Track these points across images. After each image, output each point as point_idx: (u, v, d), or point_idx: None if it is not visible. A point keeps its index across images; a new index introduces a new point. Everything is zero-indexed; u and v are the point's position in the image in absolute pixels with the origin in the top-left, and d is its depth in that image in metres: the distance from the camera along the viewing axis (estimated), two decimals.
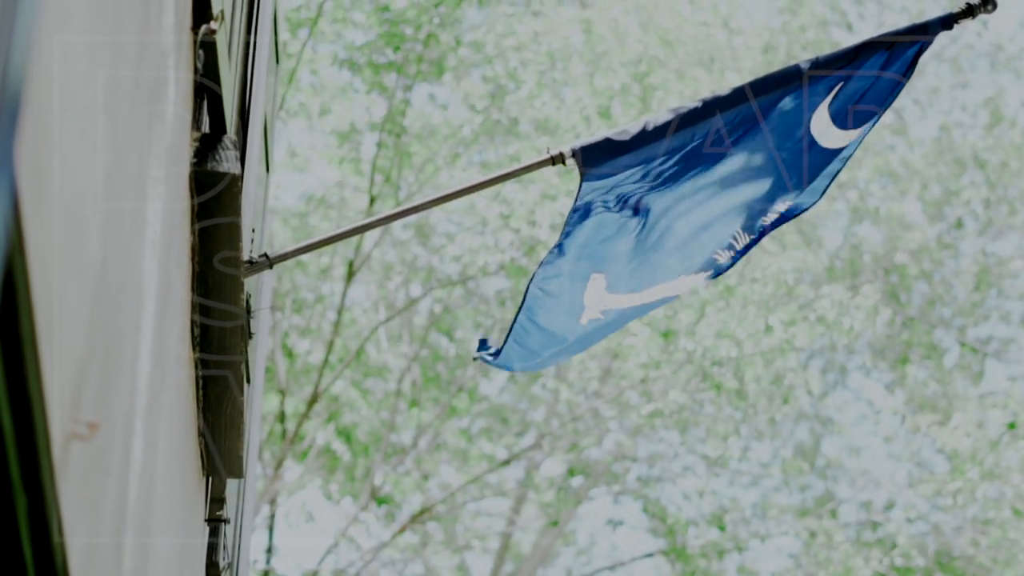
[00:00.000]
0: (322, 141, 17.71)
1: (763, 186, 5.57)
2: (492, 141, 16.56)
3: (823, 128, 5.57)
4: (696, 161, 5.53)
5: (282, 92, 16.37)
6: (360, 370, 17.69)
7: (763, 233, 5.58)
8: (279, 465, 16.93)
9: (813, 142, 5.57)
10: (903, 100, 19.53)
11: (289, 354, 17.58)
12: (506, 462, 17.93)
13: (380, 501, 17.76)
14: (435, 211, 17.47)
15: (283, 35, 16.19)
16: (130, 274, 3.41)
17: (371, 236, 17.11)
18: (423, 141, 16.55)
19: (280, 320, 17.45)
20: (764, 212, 5.58)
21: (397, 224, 17.43)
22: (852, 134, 5.60)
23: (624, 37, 16.59)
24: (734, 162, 5.56)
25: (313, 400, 16.78)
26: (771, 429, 17.35)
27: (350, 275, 16.82)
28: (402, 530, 17.54)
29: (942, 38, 19.63)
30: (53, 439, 2.66)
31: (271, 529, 17.42)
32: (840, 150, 5.60)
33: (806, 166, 5.56)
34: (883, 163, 18.56)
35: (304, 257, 17.48)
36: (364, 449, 17.76)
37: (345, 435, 17.72)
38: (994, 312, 19.06)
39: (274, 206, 17.65)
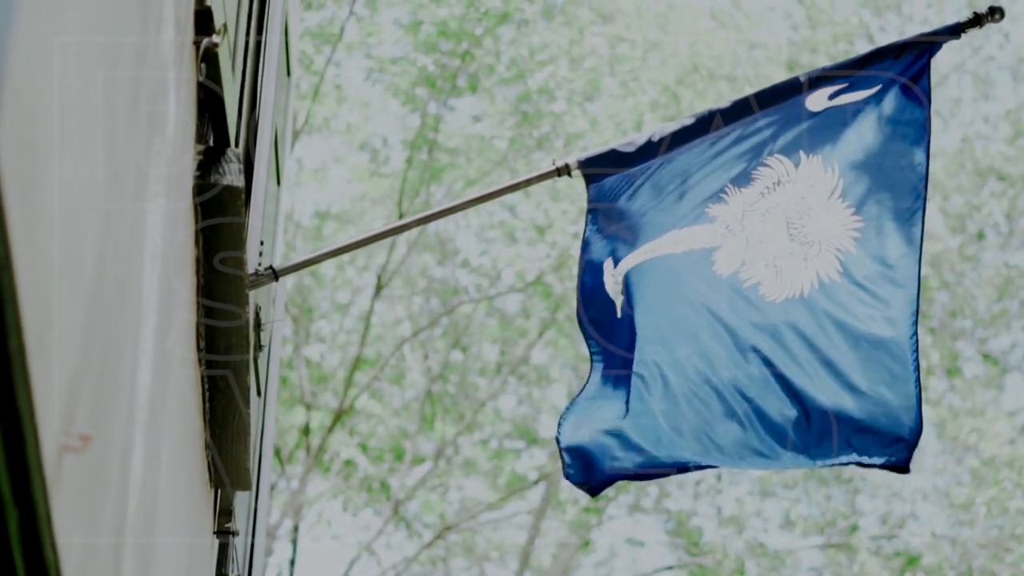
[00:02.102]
0: (351, 156, 17.77)
1: (759, 150, 5.54)
2: (524, 157, 16.56)
3: (820, 103, 5.56)
4: (697, 162, 5.53)
5: (308, 107, 16.43)
6: (380, 377, 17.73)
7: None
8: (304, 478, 16.98)
9: (812, 112, 5.55)
10: None
11: (318, 372, 17.62)
12: (536, 482, 17.95)
13: (399, 518, 17.78)
14: (463, 226, 17.55)
15: (308, 50, 16.23)
16: (129, 286, 3.40)
17: (399, 251, 17.17)
18: (454, 156, 16.58)
19: (303, 333, 17.49)
20: (755, 168, 5.54)
21: (420, 240, 17.47)
22: (846, 98, 5.56)
23: (653, 52, 16.62)
24: (734, 148, 5.56)
25: (339, 416, 16.83)
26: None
27: (379, 289, 16.87)
28: (428, 545, 17.56)
29: (965, 50, 19.60)
30: (45, 453, 2.65)
31: (295, 542, 17.46)
32: (833, 108, 5.55)
33: (806, 127, 5.53)
34: None
35: (330, 272, 17.56)
36: (379, 455, 17.78)
37: (366, 449, 17.75)
38: (1016, 323, 18.99)
39: (298, 220, 17.72)
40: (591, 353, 5.45)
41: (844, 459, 5.34)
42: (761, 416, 5.34)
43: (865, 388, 5.31)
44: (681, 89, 16.35)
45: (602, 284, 5.50)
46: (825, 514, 18.12)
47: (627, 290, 5.45)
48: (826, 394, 5.33)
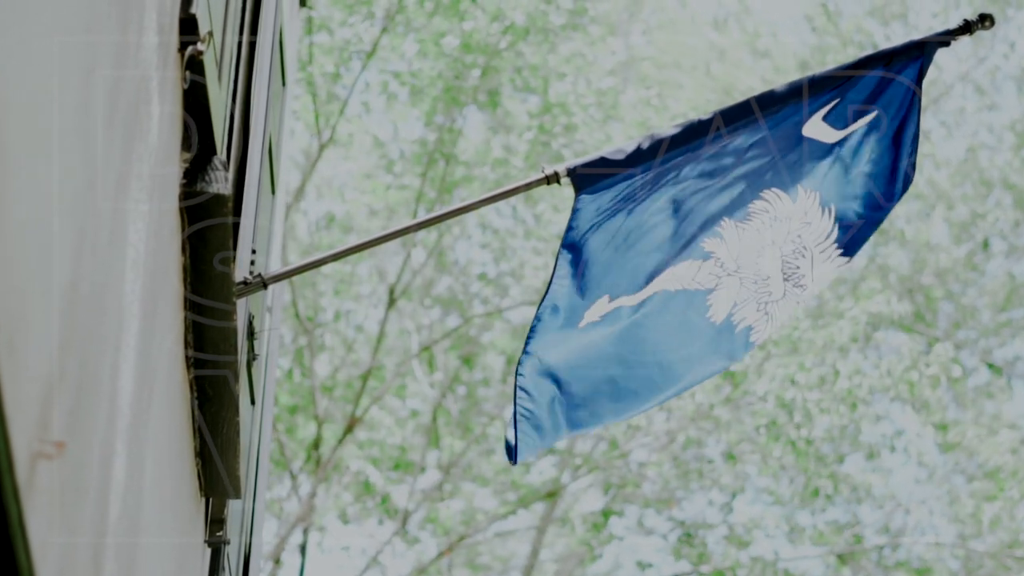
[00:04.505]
0: (368, 170, 17.84)
1: (756, 179, 5.58)
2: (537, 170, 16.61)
3: (817, 130, 5.60)
4: (693, 167, 5.54)
5: (333, 122, 16.53)
6: (390, 389, 17.79)
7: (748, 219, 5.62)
8: (313, 490, 17.03)
9: (810, 141, 5.59)
10: (929, 121, 19.49)
11: (329, 384, 17.66)
12: (549, 494, 17.94)
13: (404, 532, 17.80)
14: (468, 235, 17.61)
15: (329, 67, 16.32)
16: (109, 292, 3.39)
17: (412, 263, 17.23)
18: (469, 169, 16.63)
19: (314, 346, 17.55)
20: (752, 201, 5.58)
21: (433, 254, 17.52)
22: (844, 132, 5.60)
23: (668, 69, 16.72)
24: (732, 164, 5.57)
25: (349, 428, 16.87)
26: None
27: (391, 303, 16.90)
28: (440, 556, 17.57)
29: (970, 60, 19.59)
30: (17, 457, 2.63)
31: (303, 550, 17.50)
32: (834, 144, 5.60)
33: (805, 159, 5.58)
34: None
35: (340, 285, 17.61)
36: (374, 462, 17.82)
37: (376, 462, 17.79)
38: (1021, 333, 18.96)
39: (309, 233, 17.81)
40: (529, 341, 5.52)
41: None
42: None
43: None
44: (710, 106, 16.41)
45: (573, 291, 5.53)
46: (829, 524, 18.11)
47: (612, 321, 5.50)
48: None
